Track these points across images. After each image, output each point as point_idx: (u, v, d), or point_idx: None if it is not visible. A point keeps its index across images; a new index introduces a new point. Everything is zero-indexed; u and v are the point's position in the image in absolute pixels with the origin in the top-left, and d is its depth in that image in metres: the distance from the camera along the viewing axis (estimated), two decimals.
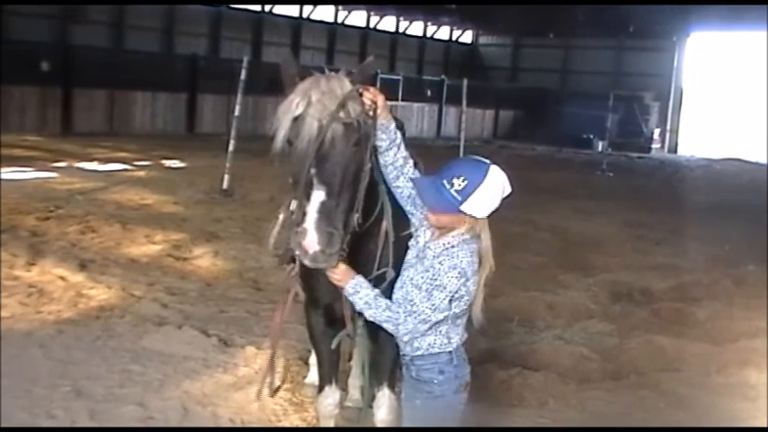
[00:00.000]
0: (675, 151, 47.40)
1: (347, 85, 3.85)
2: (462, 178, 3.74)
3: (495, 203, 3.82)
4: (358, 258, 4.05)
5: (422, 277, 3.85)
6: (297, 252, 3.74)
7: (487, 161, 3.84)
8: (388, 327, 3.90)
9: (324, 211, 3.65)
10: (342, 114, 3.75)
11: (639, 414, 6.57)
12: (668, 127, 48.34)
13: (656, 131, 46.36)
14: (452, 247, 3.82)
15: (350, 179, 3.81)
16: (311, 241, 3.63)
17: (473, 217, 3.80)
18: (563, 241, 14.05)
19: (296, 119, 3.78)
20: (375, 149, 3.99)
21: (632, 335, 8.58)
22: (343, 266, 3.86)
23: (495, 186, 3.78)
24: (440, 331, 3.92)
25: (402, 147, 4.08)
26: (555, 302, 9.71)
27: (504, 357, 7.65)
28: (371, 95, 3.90)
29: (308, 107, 3.76)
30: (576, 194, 21.35)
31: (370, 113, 3.88)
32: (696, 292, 10.48)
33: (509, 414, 6.45)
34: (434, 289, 3.78)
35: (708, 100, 48.90)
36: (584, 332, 8.64)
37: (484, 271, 3.91)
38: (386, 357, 4.44)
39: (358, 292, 3.88)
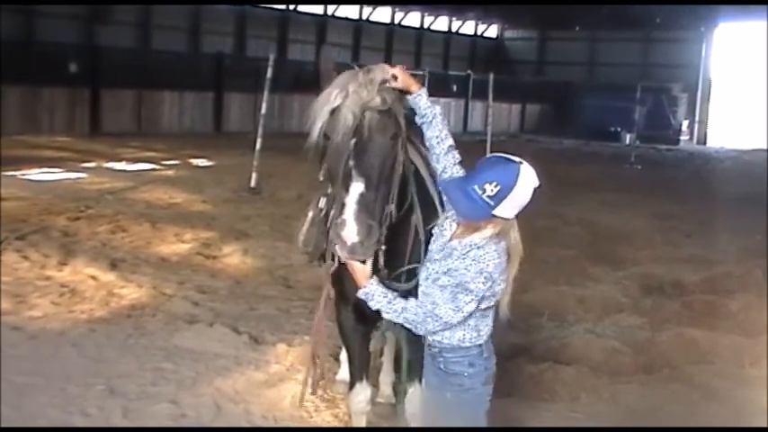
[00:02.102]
0: (704, 143, 47.03)
1: (386, 74, 3.89)
2: (495, 183, 3.61)
3: (526, 202, 3.72)
4: (388, 254, 4.04)
5: (447, 279, 3.76)
6: (335, 243, 3.74)
7: (517, 159, 3.72)
8: (407, 325, 3.86)
9: (363, 202, 3.66)
10: (378, 101, 3.77)
11: (672, 407, 6.52)
12: (697, 118, 47.99)
13: (685, 123, 46.00)
14: (479, 248, 3.73)
15: (387, 172, 3.82)
16: (350, 232, 3.63)
17: (505, 219, 3.73)
18: (592, 234, 13.96)
19: (333, 111, 3.80)
20: (406, 144, 4.02)
21: (664, 328, 8.51)
22: (366, 268, 3.84)
23: (527, 187, 3.67)
24: (469, 325, 3.86)
25: (435, 125, 4.10)
26: (585, 296, 9.65)
27: (535, 352, 7.62)
28: (397, 72, 3.97)
29: (345, 99, 3.78)
30: (605, 187, 21.22)
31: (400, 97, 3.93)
32: (728, 283, 10.36)
33: (540, 408, 6.42)
34: (459, 292, 3.70)
35: (736, 90, 48.43)
36: (615, 326, 8.59)
37: (513, 266, 3.84)
38: (418, 353, 4.43)
39: (371, 299, 3.83)
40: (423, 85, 4.12)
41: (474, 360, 3.92)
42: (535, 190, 3.74)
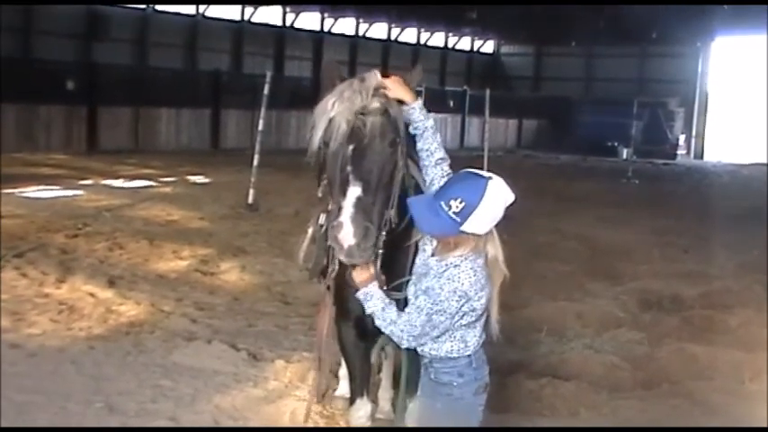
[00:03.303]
0: (701, 157, 47.11)
1: (378, 79, 3.92)
2: (459, 200, 3.64)
3: (497, 217, 3.74)
4: (388, 270, 4.04)
5: (424, 299, 3.79)
6: (332, 246, 3.75)
7: (486, 175, 3.74)
8: (393, 337, 3.92)
9: (360, 206, 3.68)
10: (374, 106, 3.80)
11: (672, 423, 6.50)
12: (694, 133, 48.10)
13: (682, 138, 46.07)
14: (455, 266, 3.74)
15: (386, 178, 3.84)
16: (347, 234, 3.64)
17: (476, 234, 3.74)
18: (590, 250, 13.94)
19: (331, 120, 3.83)
20: (407, 153, 4.05)
21: (663, 343, 8.49)
22: (371, 270, 3.89)
23: (494, 203, 3.68)
24: (455, 337, 3.89)
25: (426, 138, 4.13)
26: (583, 311, 9.62)
27: (534, 367, 7.60)
28: (391, 81, 4.01)
29: (341, 106, 3.81)
30: (603, 203, 21.22)
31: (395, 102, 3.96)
32: (727, 298, 10.35)
33: (540, 424, 6.40)
34: (435, 314, 3.74)
35: (734, 105, 48.54)
36: (613, 341, 8.57)
37: (495, 283, 3.86)
38: (418, 368, 4.42)
39: (368, 300, 3.90)
40: (418, 97, 4.14)
41: (463, 370, 3.93)
42: (510, 205, 3.74)
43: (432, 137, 4.14)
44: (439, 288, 3.75)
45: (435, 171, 4.13)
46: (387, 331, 3.90)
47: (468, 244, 3.75)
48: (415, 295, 3.91)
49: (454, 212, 3.64)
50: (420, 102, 4.11)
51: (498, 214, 3.73)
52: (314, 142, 3.95)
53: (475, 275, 3.74)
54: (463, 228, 3.67)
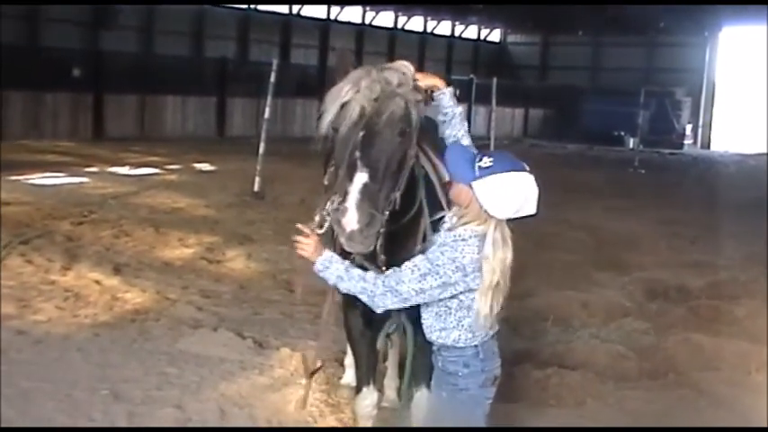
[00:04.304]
0: (708, 147, 47.01)
1: (403, 76, 3.91)
2: (491, 160, 3.77)
3: (508, 206, 3.75)
4: (397, 257, 4.03)
5: (421, 259, 3.82)
6: (335, 228, 3.73)
7: (527, 168, 3.81)
8: (363, 298, 3.86)
9: (366, 192, 3.66)
10: (390, 95, 3.81)
11: (679, 413, 6.49)
12: (700, 122, 47.96)
13: (689, 127, 45.93)
14: (462, 240, 3.78)
15: (394, 166, 3.82)
16: (351, 219, 3.62)
17: (481, 206, 3.75)
18: (596, 240, 13.90)
19: (343, 105, 3.81)
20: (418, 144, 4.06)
21: (669, 333, 8.46)
22: (314, 240, 3.86)
23: (514, 186, 3.74)
24: (463, 326, 3.90)
25: (454, 125, 4.29)
26: (590, 301, 9.59)
27: (541, 357, 7.58)
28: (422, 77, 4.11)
29: (356, 93, 3.79)
30: (609, 192, 21.18)
31: (422, 98, 4.02)
32: (734, 289, 10.31)
33: (546, 414, 6.39)
34: (429, 274, 3.75)
35: (741, 94, 48.35)
36: (620, 331, 8.55)
37: (489, 275, 3.79)
38: (425, 357, 4.42)
39: (328, 267, 3.86)
40: (448, 85, 4.28)
41: (469, 361, 3.94)
42: (524, 216, 3.79)
43: (459, 123, 4.30)
44: (440, 253, 3.79)
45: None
46: (357, 290, 3.84)
47: (475, 210, 3.78)
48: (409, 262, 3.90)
49: (479, 166, 3.76)
50: (451, 89, 4.26)
51: (510, 204, 3.75)
52: (322, 126, 3.93)
53: (478, 254, 3.77)
54: (475, 183, 3.74)
